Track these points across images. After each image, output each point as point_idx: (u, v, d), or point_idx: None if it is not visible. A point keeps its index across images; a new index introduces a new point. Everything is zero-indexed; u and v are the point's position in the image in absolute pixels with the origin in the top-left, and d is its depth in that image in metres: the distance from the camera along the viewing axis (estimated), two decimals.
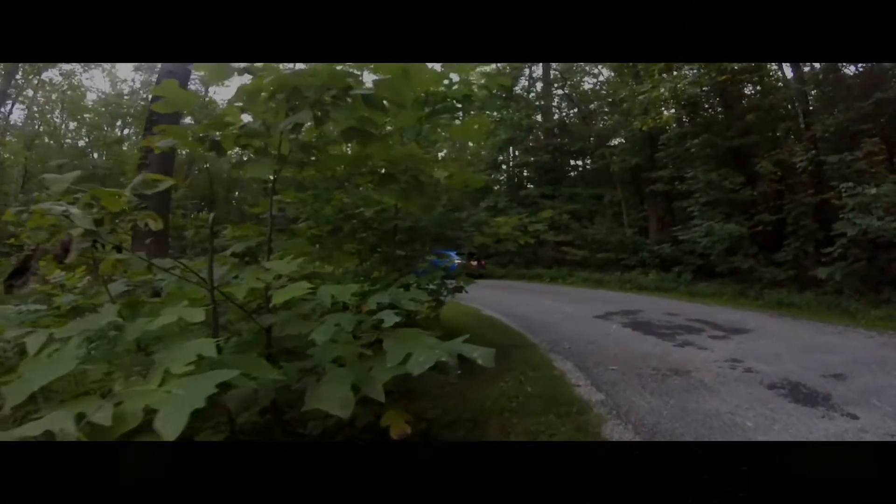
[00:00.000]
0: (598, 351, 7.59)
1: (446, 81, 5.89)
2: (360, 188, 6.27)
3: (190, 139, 3.45)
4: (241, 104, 3.35)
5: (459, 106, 6.12)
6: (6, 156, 33.77)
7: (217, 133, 3.43)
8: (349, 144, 4.10)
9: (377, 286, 6.92)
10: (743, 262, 16.85)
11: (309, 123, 3.04)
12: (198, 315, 2.34)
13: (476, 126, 5.73)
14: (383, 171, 4.21)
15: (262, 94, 3.18)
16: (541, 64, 31.61)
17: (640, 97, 19.66)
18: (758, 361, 6.83)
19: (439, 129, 6.28)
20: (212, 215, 3.15)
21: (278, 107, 3.19)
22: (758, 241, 17.76)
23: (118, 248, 3.03)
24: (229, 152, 3.66)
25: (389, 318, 2.57)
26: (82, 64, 33.15)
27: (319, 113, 3.11)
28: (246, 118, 3.50)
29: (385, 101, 3.28)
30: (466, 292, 7.58)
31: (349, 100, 3.18)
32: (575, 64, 32.33)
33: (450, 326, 8.73)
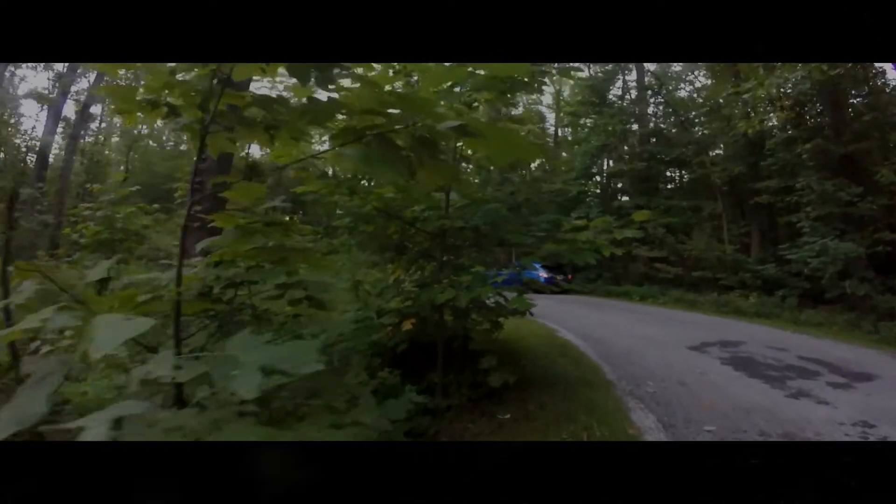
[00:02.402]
0: (689, 398, 6.21)
1: None
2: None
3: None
4: None
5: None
6: (107, 153, 35.56)
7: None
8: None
9: (409, 303, 6.01)
10: (858, 288, 14.98)
11: None
12: None
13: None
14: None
15: None
16: (634, 70, 30.29)
17: (745, 95, 18.03)
18: (895, 427, 5.43)
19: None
20: None
21: None
22: (874, 264, 15.83)
23: None
24: None
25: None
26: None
27: None
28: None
29: None
30: (531, 314, 6.36)
31: None
32: (670, 70, 30.82)
33: (512, 350, 7.70)
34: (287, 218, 4.88)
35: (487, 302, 5.93)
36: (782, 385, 6.88)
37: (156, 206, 15.59)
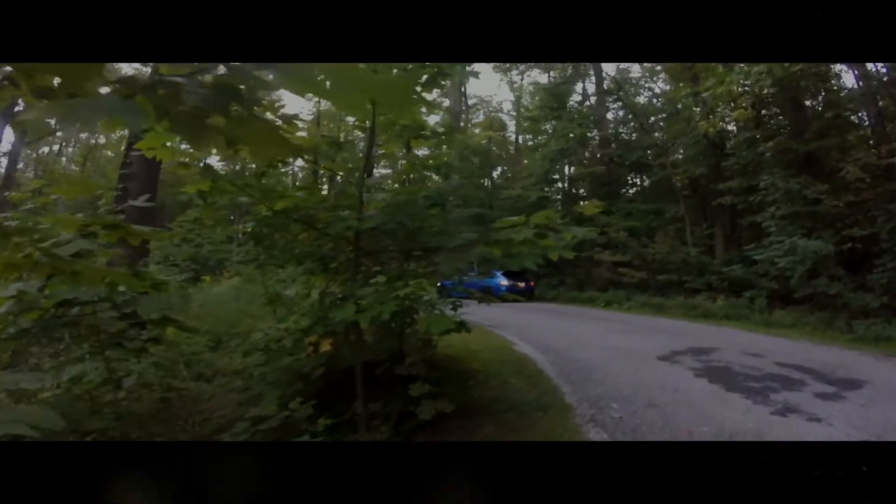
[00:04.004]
0: (661, 423, 5.29)
1: None
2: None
3: None
4: None
5: None
6: (64, 162, 34.83)
7: None
8: None
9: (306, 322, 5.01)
10: (829, 286, 14.48)
11: None
12: None
13: None
14: None
15: None
16: (594, 75, 30.44)
17: (704, 94, 17.57)
18: None
19: None
20: None
21: None
22: (843, 261, 15.36)
23: None
24: None
25: None
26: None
27: None
28: None
29: None
30: (467, 331, 4.90)
31: None
32: (629, 75, 30.96)
33: (460, 370, 6.80)
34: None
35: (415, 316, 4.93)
36: (765, 399, 6.06)
37: (79, 215, 14.48)
